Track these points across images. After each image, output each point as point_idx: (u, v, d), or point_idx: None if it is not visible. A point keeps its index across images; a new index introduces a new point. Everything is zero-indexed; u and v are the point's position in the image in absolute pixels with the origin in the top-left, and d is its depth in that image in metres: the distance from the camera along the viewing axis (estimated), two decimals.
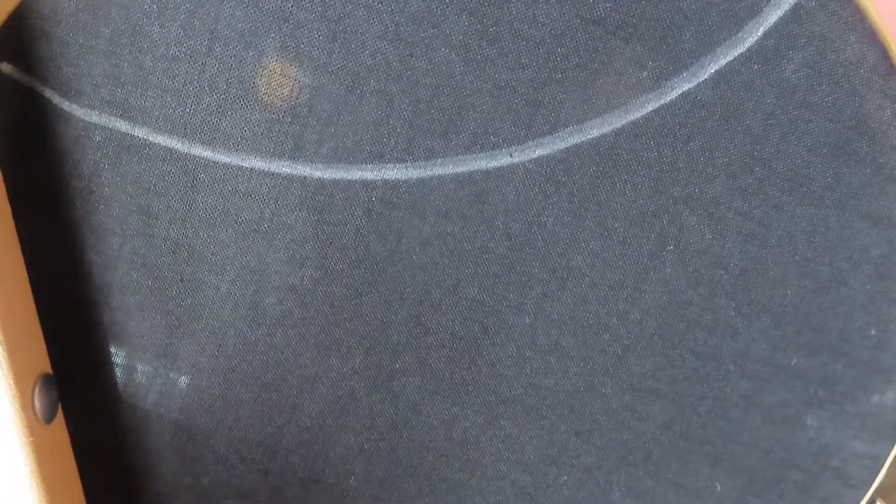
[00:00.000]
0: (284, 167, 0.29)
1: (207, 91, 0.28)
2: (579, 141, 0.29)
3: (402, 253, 0.30)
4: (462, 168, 0.29)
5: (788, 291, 0.32)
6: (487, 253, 0.30)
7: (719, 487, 0.34)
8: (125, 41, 0.27)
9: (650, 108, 0.29)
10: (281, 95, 0.28)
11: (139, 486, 0.32)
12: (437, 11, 0.27)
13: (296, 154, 0.29)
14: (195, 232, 0.29)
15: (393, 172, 0.29)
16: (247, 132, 0.28)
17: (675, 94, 0.29)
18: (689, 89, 0.29)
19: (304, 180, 0.29)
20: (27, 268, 0.29)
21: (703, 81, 0.29)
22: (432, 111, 0.29)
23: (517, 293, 0.31)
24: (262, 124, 0.28)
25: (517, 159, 0.29)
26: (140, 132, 0.28)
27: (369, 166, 0.29)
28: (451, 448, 0.32)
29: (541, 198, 0.30)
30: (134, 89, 0.28)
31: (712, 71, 0.29)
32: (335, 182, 0.29)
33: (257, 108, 0.28)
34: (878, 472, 0.35)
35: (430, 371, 0.31)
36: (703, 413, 0.33)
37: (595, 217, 0.30)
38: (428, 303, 0.31)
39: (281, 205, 0.29)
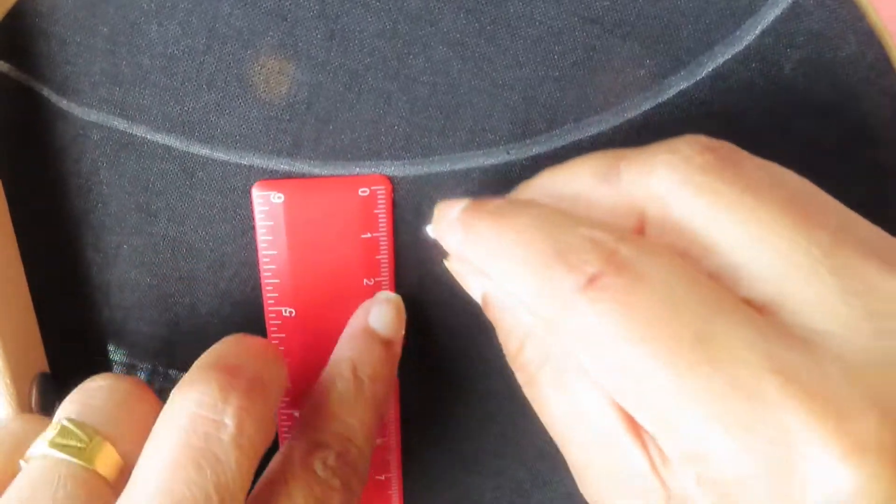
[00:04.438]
0: (283, 164, 0.29)
1: (206, 89, 0.28)
2: (576, 139, 0.29)
3: (400, 250, 0.30)
4: (459, 165, 0.29)
5: None
6: None
7: None
8: (123, 40, 0.27)
9: (647, 106, 0.29)
10: (279, 93, 0.28)
11: None
12: (434, 10, 0.27)
13: (294, 151, 0.29)
14: (194, 229, 0.30)
15: (391, 169, 0.29)
16: (245, 130, 0.28)
17: (672, 92, 0.29)
18: (687, 87, 0.29)
19: (302, 177, 0.29)
20: (24, 266, 0.29)
21: (700, 80, 0.29)
22: (430, 109, 0.29)
23: None
24: (261, 122, 0.28)
25: (514, 157, 0.29)
26: (138, 130, 0.28)
27: (367, 163, 0.29)
28: (452, 444, 0.33)
29: None
30: (132, 88, 0.28)
31: (710, 69, 0.28)
32: None
33: (255, 105, 0.28)
34: None
35: (431, 367, 0.32)
36: None
37: None
38: (427, 301, 0.31)
39: None
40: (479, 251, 0.23)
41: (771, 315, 0.19)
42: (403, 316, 0.29)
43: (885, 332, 0.19)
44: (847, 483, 0.18)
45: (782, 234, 0.20)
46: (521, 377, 0.24)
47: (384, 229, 0.29)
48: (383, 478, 0.32)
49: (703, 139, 0.21)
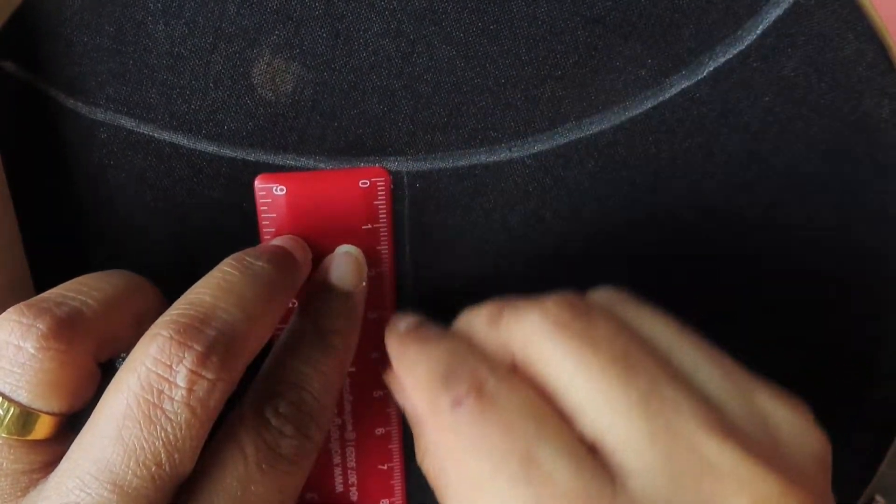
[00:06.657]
0: (289, 160, 0.29)
1: (212, 88, 0.28)
2: (578, 137, 0.29)
3: (403, 243, 0.31)
4: (462, 162, 0.30)
5: (786, 290, 0.32)
6: (486, 244, 0.31)
7: None
8: (130, 39, 0.28)
9: (649, 105, 0.29)
10: (285, 91, 0.28)
11: None
12: (438, 9, 0.28)
13: (300, 147, 0.29)
14: (201, 226, 0.30)
15: (394, 165, 0.30)
16: (252, 127, 0.29)
17: (673, 91, 0.29)
18: (688, 86, 0.29)
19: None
20: (30, 265, 0.30)
21: (701, 79, 0.29)
22: (433, 106, 0.29)
23: (515, 284, 0.31)
24: (267, 119, 0.29)
25: (516, 154, 0.30)
26: (145, 129, 0.29)
27: (371, 159, 0.30)
28: None
29: (539, 192, 0.30)
30: (139, 87, 0.28)
31: (711, 68, 0.29)
32: None
33: (262, 103, 0.28)
34: (877, 468, 0.35)
35: None
36: None
37: (593, 212, 0.31)
38: (425, 292, 0.31)
39: None
40: (404, 368, 0.27)
41: (597, 452, 0.22)
42: (363, 267, 0.30)
43: (678, 475, 0.21)
44: None
45: (607, 380, 0.23)
46: (430, 481, 0.27)
47: (384, 220, 0.30)
48: (385, 467, 0.33)
49: (570, 297, 0.25)
